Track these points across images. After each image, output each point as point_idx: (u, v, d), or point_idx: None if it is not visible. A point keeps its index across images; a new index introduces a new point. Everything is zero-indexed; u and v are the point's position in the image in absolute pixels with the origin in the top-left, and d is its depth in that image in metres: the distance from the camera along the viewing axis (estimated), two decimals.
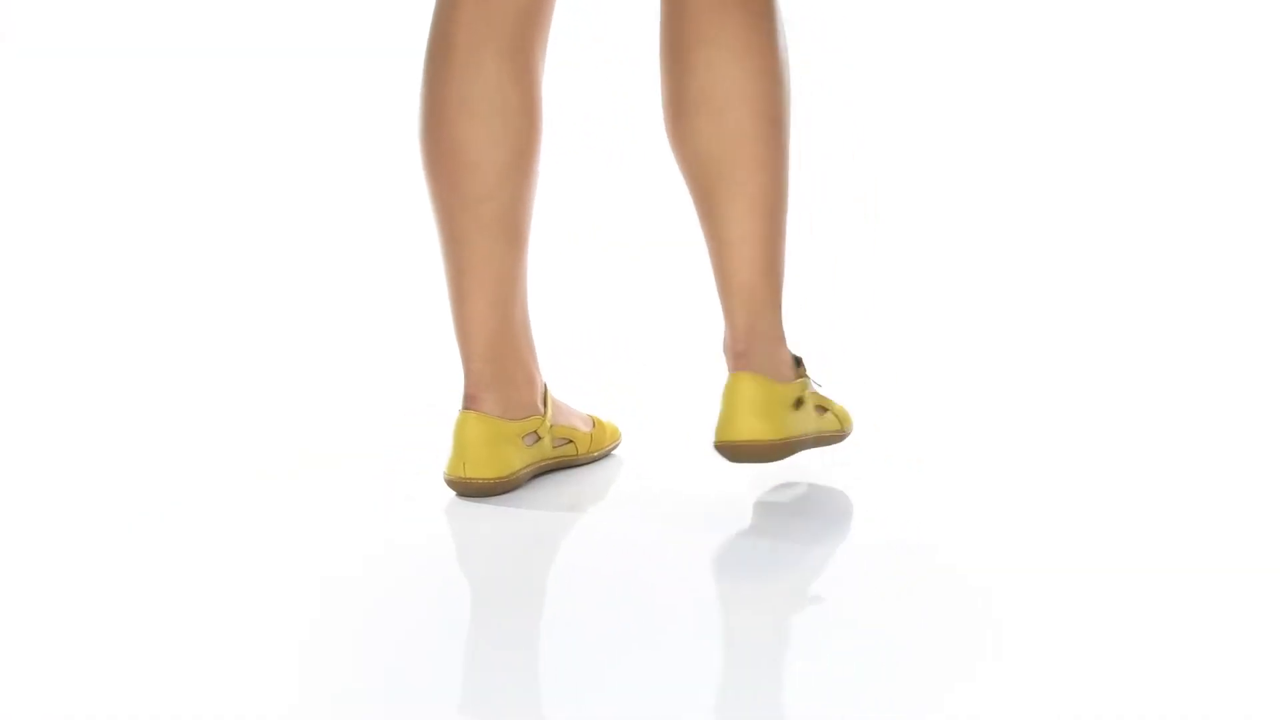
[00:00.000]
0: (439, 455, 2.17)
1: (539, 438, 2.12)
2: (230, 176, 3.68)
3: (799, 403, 2.04)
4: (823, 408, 2.10)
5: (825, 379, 2.43)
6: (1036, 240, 3.44)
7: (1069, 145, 3.73)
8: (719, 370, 2.25)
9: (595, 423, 2.22)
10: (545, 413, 2.12)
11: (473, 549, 1.95)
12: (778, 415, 2.00)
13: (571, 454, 2.17)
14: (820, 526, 1.98)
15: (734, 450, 1.98)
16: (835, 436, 2.14)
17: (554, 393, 2.21)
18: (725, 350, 2.03)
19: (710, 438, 2.17)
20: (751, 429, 1.98)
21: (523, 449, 2.09)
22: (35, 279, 3.27)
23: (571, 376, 2.42)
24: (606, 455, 2.23)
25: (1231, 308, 3.07)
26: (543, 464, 2.14)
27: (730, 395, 1.99)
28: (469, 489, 2.05)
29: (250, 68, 3.80)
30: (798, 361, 2.07)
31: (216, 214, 3.58)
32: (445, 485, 2.08)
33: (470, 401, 2.07)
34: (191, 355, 2.82)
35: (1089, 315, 3.02)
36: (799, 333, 2.96)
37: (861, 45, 3.85)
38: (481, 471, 2.05)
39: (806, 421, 2.06)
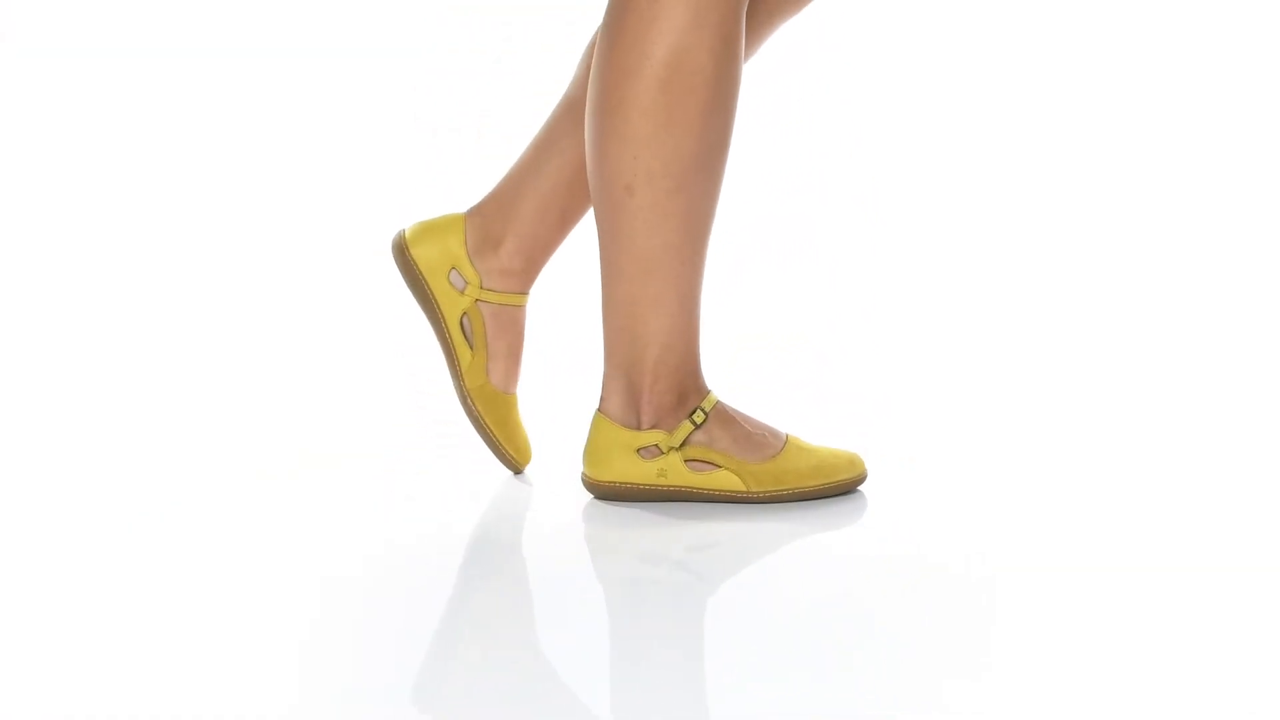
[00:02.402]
0: (438, 455, 2.17)
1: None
2: (230, 176, 3.68)
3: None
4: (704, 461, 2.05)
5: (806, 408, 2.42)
6: (1030, 241, 3.44)
7: (1066, 146, 3.73)
8: (720, 371, 2.25)
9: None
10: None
11: (473, 549, 1.95)
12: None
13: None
14: (815, 524, 1.98)
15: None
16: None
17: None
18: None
19: None
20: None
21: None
22: (35, 279, 3.27)
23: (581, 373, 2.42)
24: None
25: (1231, 308, 3.07)
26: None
27: None
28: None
29: (250, 68, 3.80)
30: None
31: (216, 214, 3.58)
32: None
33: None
34: (191, 355, 2.82)
35: (1084, 314, 3.02)
36: (797, 333, 2.95)
37: (859, 44, 3.85)
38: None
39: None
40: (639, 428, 2.02)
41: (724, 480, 2.03)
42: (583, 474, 2.05)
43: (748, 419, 2.05)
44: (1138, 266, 3.29)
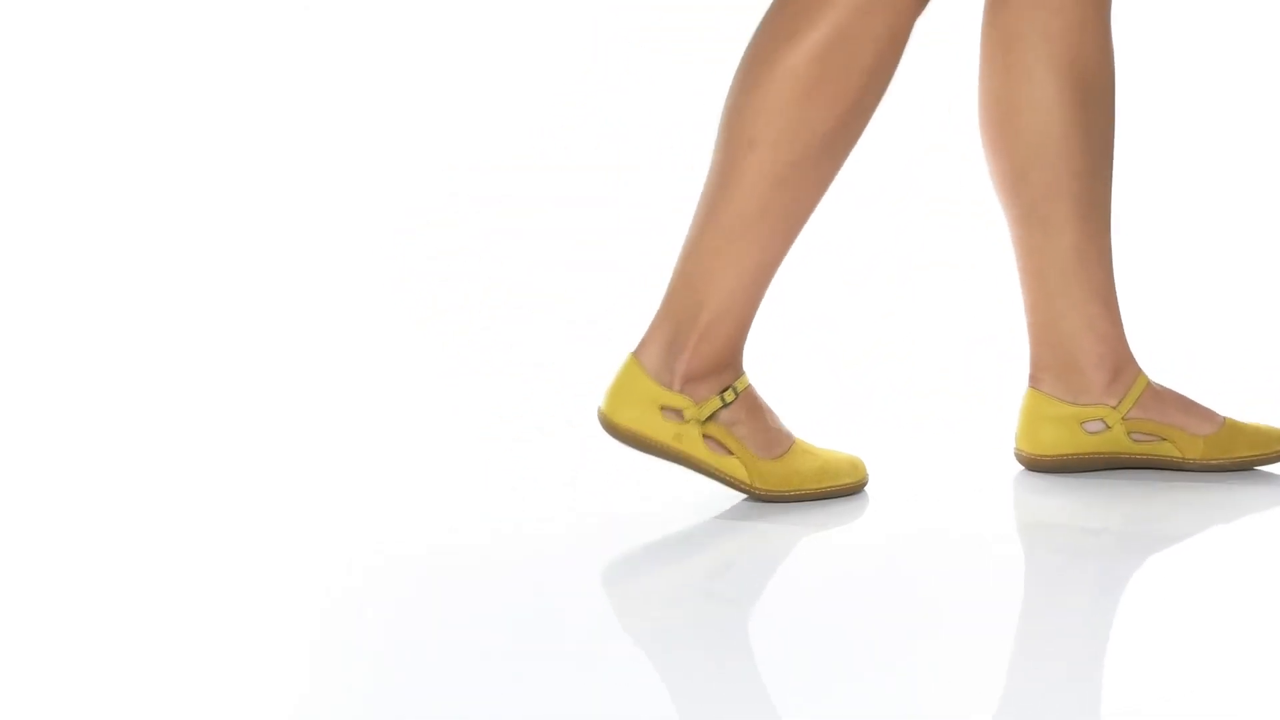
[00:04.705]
0: (440, 457, 2.16)
1: (1107, 426, 2.12)
2: (229, 177, 3.68)
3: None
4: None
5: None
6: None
7: None
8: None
9: (1229, 425, 2.13)
10: (1119, 403, 2.12)
11: (476, 556, 1.94)
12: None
13: (1166, 453, 2.13)
14: (816, 525, 1.98)
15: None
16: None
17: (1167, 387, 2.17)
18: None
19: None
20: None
21: (1078, 433, 2.12)
22: (35, 280, 3.27)
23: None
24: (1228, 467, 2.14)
25: (1230, 308, 3.07)
26: (1119, 456, 2.13)
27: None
28: (1020, 459, 2.15)
29: (249, 68, 3.80)
30: None
31: (217, 214, 3.58)
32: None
33: (1031, 380, 2.15)
34: (192, 356, 2.82)
35: None
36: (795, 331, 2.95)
37: None
38: (1020, 444, 2.15)
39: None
40: (670, 386, 2.00)
41: (731, 467, 2.02)
42: (600, 410, 2.01)
43: (770, 413, 2.04)
44: (1137, 266, 3.28)
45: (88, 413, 2.49)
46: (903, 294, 3.19)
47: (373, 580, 1.82)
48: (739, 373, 2.03)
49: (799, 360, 2.79)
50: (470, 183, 3.65)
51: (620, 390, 2.01)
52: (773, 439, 2.03)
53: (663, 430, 2.00)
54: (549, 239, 3.43)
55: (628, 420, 2.00)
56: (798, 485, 2.03)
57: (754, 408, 2.03)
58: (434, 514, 2.03)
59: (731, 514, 2.01)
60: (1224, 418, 2.13)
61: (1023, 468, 2.15)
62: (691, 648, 1.65)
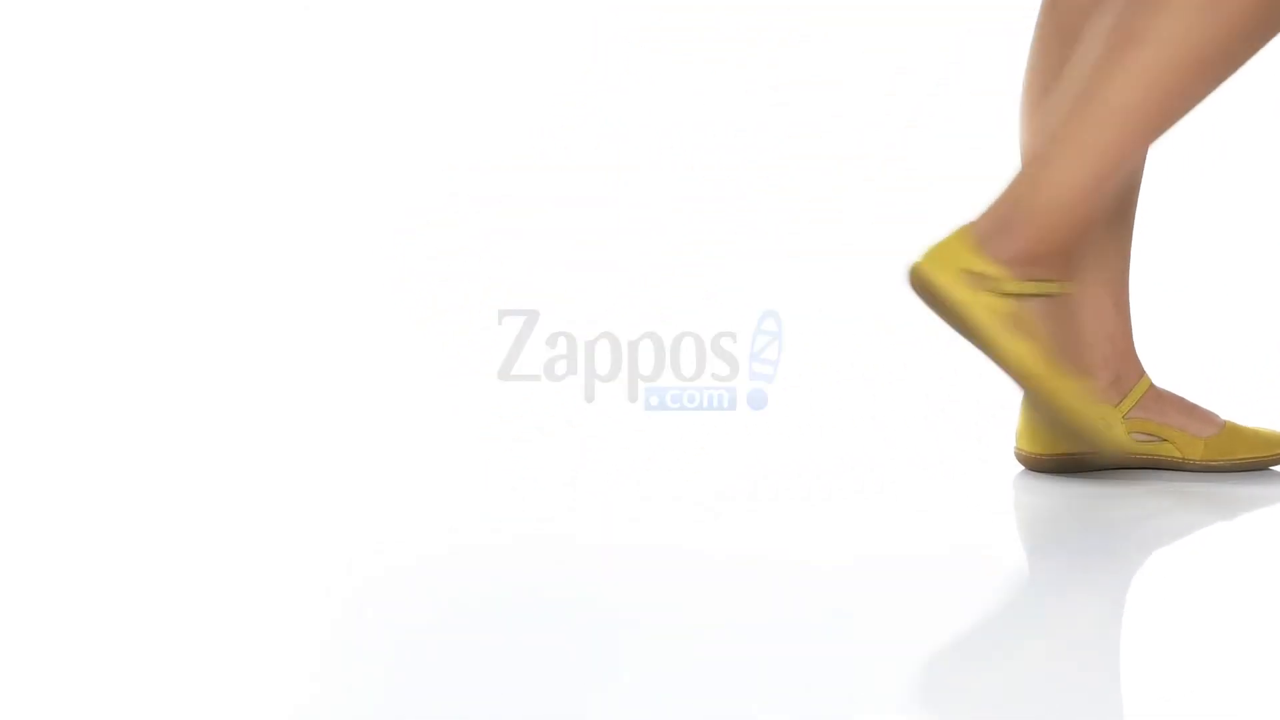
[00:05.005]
0: (440, 457, 2.16)
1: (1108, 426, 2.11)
2: (229, 178, 3.68)
3: None
4: None
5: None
6: None
7: None
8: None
9: (1229, 428, 2.14)
10: (1120, 402, 2.11)
11: (476, 556, 1.94)
12: None
13: (1166, 454, 2.13)
14: (803, 523, 1.98)
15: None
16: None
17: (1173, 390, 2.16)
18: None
19: None
20: None
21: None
22: (34, 280, 3.26)
23: None
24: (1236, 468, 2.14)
25: (1229, 309, 3.06)
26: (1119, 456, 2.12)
27: None
28: (1020, 459, 2.14)
29: (249, 68, 3.80)
30: None
31: (217, 215, 3.58)
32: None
33: None
34: (192, 356, 2.82)
35: None
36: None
37: (868, 45, 3.85)
38: (1020, 444, 2.13)
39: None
40: (999, 261, 1.95)
41: (1019, 354, 1.95)
42: (917, 263, 1.97)
43: (1074, 346, 2.01)
44: (1141, 269, 3.28)
45: (87, 414, 2.49)
46: (903, 292, 3.19)
47: (372, 580, 1.82)
48: (1069, 278, 1.98)
49: (799, 358, 2.79)
50: (470, 183, 3.66)
51: (942, 250, 1.97)
52: (1073, 356, 2.00)
53: (957, 286, 1.96)
54: (549, 239, 3.43)
55: (935, 277, 1.96)
56: (1050, 398, 1.98)
57: (1067, 320, 2.00)
58: (434, 514, 2.03)
59: (732, 514, 2.01)
60: (1225, 421, 2.13)
61: (1023, 468, 2.15)
62: (693, 648, 1.65)
